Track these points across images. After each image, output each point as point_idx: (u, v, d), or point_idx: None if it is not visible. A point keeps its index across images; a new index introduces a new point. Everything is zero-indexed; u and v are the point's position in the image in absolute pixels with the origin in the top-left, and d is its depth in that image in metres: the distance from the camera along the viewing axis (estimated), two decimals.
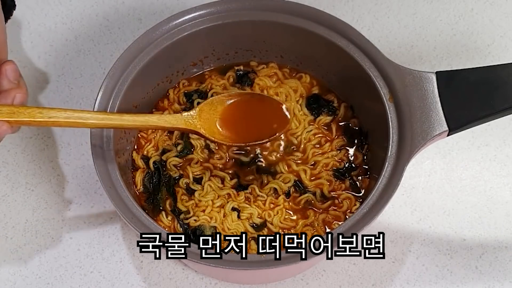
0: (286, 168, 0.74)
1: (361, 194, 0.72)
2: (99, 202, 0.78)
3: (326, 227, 0.71)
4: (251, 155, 0.75)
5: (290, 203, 0.73)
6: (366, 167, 0.74)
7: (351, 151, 0.75)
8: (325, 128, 0.76)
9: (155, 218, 0.71)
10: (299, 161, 0.74)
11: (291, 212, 0.72)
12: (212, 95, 0.77)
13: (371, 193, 0.64)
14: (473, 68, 0.68)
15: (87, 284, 0.74)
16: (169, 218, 0.72)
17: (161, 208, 0.72)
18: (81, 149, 0.81)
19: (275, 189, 0.73)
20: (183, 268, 0.75)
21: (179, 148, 0.75)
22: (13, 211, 0.78)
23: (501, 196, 0.78)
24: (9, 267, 0.75)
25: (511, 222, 0.77)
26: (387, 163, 0.65)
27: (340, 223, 0.70)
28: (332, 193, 0.73)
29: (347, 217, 0.71)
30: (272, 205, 0.72)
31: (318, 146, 0.75)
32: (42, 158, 0.81)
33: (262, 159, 0.75)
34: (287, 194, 0.73)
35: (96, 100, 0.68)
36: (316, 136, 0.75)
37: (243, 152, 0.75)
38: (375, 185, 0.65)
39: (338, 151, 0.75)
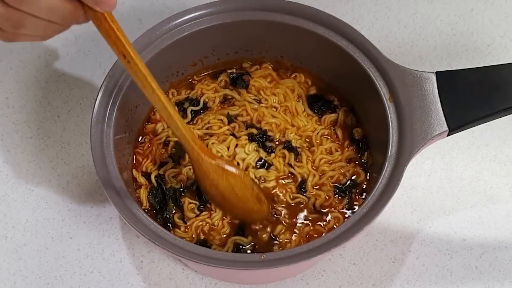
0: (307, 159, 0.74)
1: (354, 211, 0.71)
2: (99, 202, 0.78)
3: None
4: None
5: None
6: (365, 187, 0.73)
7: (358, 168, 0.73)
8: (332, 126, 0.76)
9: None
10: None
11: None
12: (204, 101, 0.77)
13: (371, 193, 0.64)
14: (473, 68, 0.68)
15: (87, 284, 0.74)
16: (182, 229, 0.71)
17: (170, 223, 0.71)
18: (81, 149, 0.81)
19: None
20: (183, 268, 0.75)
21: (174, 157, 0.74)
22: (13, 211, 0.78)
23: (501, 196, 0.78)
24: (9, 267, 0.75)
25: (511, 222, 0.77)
26: (387, 163, 0.65)
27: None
28: (323, 209, 0.72)
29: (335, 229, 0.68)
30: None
31: (329, 153, 0.74)
32: (42, 158, 0.81)
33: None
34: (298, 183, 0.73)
35: (96, 100, 0.68)
36: (328, 140, 0.75)
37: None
38: (375, 185, 0.65)
39: (347, 164, 0.74)
